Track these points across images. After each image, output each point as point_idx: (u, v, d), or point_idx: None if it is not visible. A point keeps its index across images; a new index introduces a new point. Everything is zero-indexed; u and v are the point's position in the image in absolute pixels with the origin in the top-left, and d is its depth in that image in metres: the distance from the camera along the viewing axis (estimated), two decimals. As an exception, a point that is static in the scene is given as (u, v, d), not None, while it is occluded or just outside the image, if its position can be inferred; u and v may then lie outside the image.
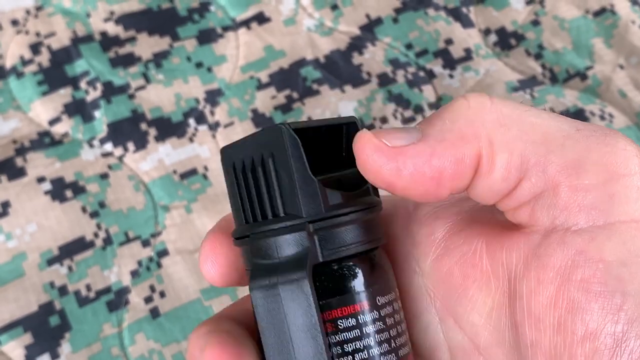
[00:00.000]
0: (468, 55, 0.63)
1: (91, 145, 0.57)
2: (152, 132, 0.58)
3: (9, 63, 0.60)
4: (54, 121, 0.58)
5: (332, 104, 0.60)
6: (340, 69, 0.62)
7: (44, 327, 0.50)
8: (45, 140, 0.57)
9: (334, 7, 0.65)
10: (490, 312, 0.23)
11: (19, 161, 0.56)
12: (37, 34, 0.62)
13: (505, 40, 0.64)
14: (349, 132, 0.24)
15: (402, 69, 0.62)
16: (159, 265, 0.52)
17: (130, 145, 0.57)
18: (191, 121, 0.59)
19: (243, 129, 0.58)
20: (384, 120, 0.59)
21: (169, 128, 0.58)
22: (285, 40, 0.63)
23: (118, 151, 0.57)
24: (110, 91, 0.59)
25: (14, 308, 0.50)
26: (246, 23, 0.64)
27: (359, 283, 0.22)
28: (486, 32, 0.64)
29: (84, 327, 0.50)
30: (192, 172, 0.56)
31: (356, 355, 0.22)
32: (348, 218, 0.22)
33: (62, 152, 0.56)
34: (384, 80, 0.61)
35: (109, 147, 0.57)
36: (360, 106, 0.60)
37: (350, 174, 0.23)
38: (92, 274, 0.52)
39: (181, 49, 0.62)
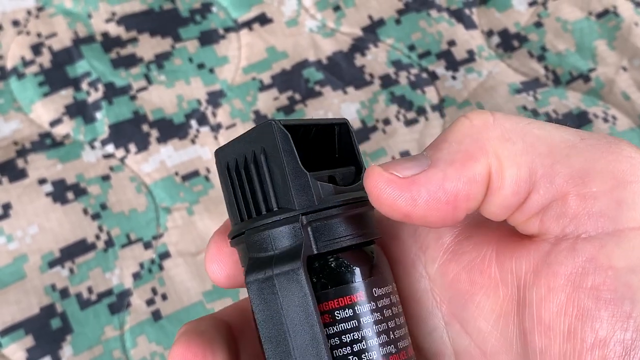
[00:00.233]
0: (471, 56, 0.63)
1: (92, 147, 0.57)
2: (154, 133, 0.58)
3: (9, 64, 0.60)
4: (55, 122, 0.58)
5: (334, 106, 0.60)
6: (342, 71, 0.61)
7: (45, 330, 0.49)
8: (46, 142, 0.57)
9: (337, 8, 0.65)
10: (497, 319, 0.23)
11: (20, 163, 0.55)
12: (38, 35, 0.61)
13: (508, 42, 0.64)
14: (341, 133, 0.25)
15: (405, 70, 0.62)
16: (161, 268, 0.52)
17: (132, 147, 0.57)
18: (193, 122, 0.58)
19: (245, 131, 0.58)
20: (386, 121, 0.59)
21: (171, 129, 0.58)
22: (288, 41, 0.63)
23: (120, 153, 0.57)
24: (112, 92, 0.59)
25: (15, 310, 0.50)
26: (248, 24, 0.64)
27: (356, 274, 0.23)
28: (489, 34, 0.64)
29: (86, 330, 0.50)
30: (194, 174, 0.56)
31: (354, 346, 0.22)
32: (341, 210, 0.22)
33: (64, 153, 0.56)
34: (387, 82, 0.61)
35: (110, 148, 0.57)
36: (363, 108, 0.60)
37: (343, 172, 0.23)
38: (93, 276, 0.51)
39: (183, 50, 0.62)
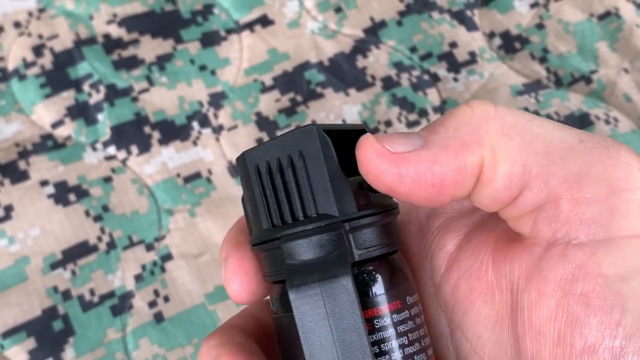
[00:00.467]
0: (472, 58, 0.63)
1: (94, 149, 0.57)
2: (156, 135, 0.58)
3: (11, 65, 0.60)
4: (56, 124, 0.58)
5: (336, 107, 0.59)
6: (344, 72, 0.61)
7: (48, 332, 0.49)
8: (48, 144, 0.57)
9: (338, 9, 0.65)
10: (494, 325, 0.23)
11: (21, 164, 0.55)
12: (40, 36, 0.61)
13: (510, 44, 0.64)
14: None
15: (407, 72, 0.62)
16: (163, 270, 0.52)
17: (134, 149, 0.57)
18: (195, 124, 0.58)
19: (247, 132, 0.58)
20: (388, 123, 0.59)
21: (173, 131, 0.58)
22: (289, 43, 0.63)
23: (121, 154, 0.57)
24: (114, 94, 0.59)
25: (17, 313, 0.50)
26: (250, 26, 0.64)
27: (392, 281, 0.23)
28: (490, 36, 0.64)
29: (88, 332, 0.50)
30: (196, 176, 0.56)
31: (392, 354, 0.22)
32: (378, 218, 0.22)
33: (65, 155, 0.56)
34: (388, 84, 0.61)
35: (112, 150, 0.57)
36: (365, 109, 0.60)
37: (362, 179, 0.23)
38: (95, 279, 0.51)
39: (184, 51, 0.62)
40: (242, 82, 0.61)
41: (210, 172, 0.56)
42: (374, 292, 0.22)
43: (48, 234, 0.53)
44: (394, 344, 0.22)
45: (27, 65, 0.60)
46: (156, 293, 0.51)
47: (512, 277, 0.22)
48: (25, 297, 0.50)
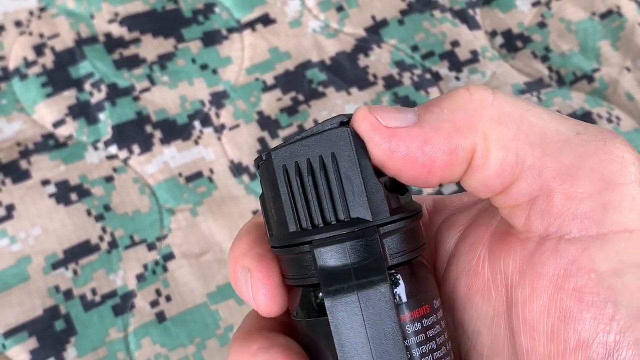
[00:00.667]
0: (474, 57, 0.62)
1: (96, 148, 0.57)
2: (157, 134, 0.57)
3: (12, 64, 0.60)
4: (58, 123, 0.57)
5: (338, 106, 0.59)
6: (346, 71, 0.61)
7: (49, 332, 0.49)
8: (49, 143, 0.57)
9: (340, 8, 0.65)
10: (492, 321, 0.23)
11: (23, 164, 0.55)
12: (41, 35, 0.61)
13: (512, 43, 0.64)
14: None
15: (408, 71, 0.61)
16: (165, 269, 0.52)
17: (135, 148, 0.57)
18: (196, 123, 0.58)
19: (249, 132, 0.58)
20: (390, 122, 0.59)
21: (174, 130, 0.58)
22: (291, 42, 0.63)
23: (123, 154, 0.57)
24: (115, 93, 0.59)
25: (19, 312, 0.50)
26: (251, 24, 0.63)
27: (421, 286, 0.22)
28: (492, 34, 0.64)
29: (90, 332, 0.49)
30: (198, 175, 0.56)
31: (425, 358, 0.22)
32: (408, 222, 0.22)
33: (67, 154, 0.56)
34: (390, 83, 0.61)
35: (113, 149, 0.57)
36: (367, 108, 0.59)
37: (388, 180, 0.23)
38: (97, 278, 0.51)
39: (186, 50, 0.62)
40: (243, 81, 0.61)
41: (211, 171, 0.56)
42: (405, 297, 0.22)
43: (49, 233, 0.53)
44: (424, 348, 0.22)
45: (28, 64, 0.60)
46: (158, 292, 0.51)
47: (507, 272, 0.22)
48: (26, 297, 0.50)
